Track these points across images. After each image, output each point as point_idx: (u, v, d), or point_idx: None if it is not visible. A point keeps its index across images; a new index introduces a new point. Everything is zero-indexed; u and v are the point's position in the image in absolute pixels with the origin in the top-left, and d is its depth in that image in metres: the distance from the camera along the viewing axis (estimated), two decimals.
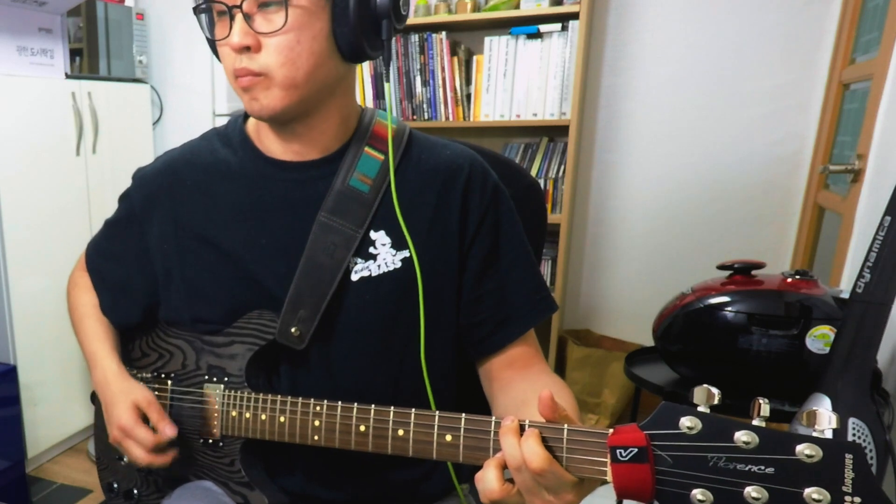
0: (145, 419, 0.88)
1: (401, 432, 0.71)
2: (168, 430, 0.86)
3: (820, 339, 1.32)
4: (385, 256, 0.85)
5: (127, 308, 0.98)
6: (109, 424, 0.90)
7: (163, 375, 0.95)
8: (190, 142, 0.98)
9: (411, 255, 0.84)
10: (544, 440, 0.60)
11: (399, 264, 0.85)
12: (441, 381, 0.89)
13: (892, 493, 1.17)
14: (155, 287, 0.95)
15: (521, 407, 0.79)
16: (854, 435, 1.08)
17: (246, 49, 0.76)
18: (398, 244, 0.85)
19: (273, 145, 0.88)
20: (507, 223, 0.90)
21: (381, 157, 0.87)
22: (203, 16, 0.82)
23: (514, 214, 0.91)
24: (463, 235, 0.87)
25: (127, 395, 0.89)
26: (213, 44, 0.83)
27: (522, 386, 0.85)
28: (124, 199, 0.99)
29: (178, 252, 0.91)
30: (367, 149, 0.87)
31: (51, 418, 2.26)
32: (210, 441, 0.89)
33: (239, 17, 0.75)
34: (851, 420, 1.09)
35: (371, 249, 0.85)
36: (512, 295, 0.89)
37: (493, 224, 0.88)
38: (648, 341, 1.60)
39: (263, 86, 0.77)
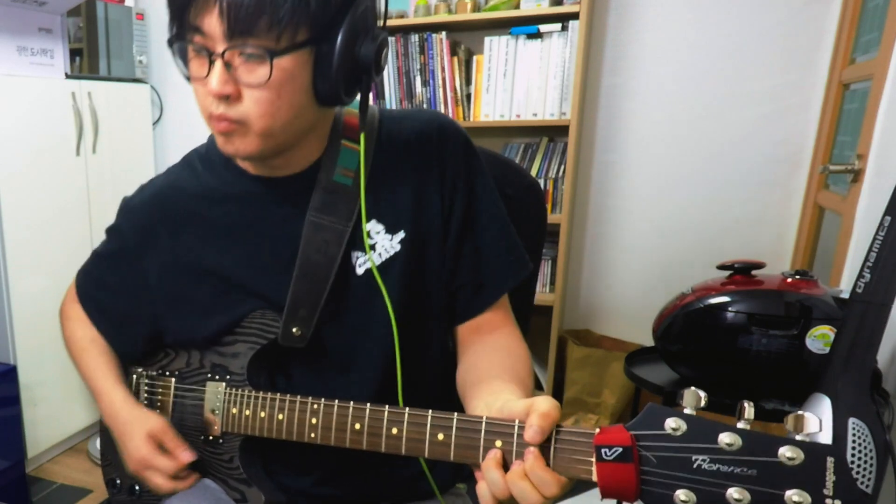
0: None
1: (394, 431, 0.71)
2: (186, 456, 0.88)
3: (820, 339, 1.31)
4: (383, 243, 0.85)
5: (132, 337, 0.98)
6: (127, 457, 0.92)
7: (167, 373, 0.96)
8: (172, 168, 0.96)
9: (407, 236, 0.85)
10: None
11: (398, 247, 0.85)
12: (444, 367, 0.90)
13: (893, 493, 1.16)
14: (155, 319, 0.94)
15: (471, 370, 0.82)
16: (854, 435, 1.07)
17: (225, 97, 0.73)
18: (391, 228, 0.85)
19: (254, 167, 0.88)
20: (481, 180, 0.89)
21: (359, 147, 0.86)
22: (176, 46, 0.77)
23: (486, 172, 0.90)
24: (443, 200, 0.87)
25: (141, 426, 0.90)
26: (187, 77, 0.80)
27: (478, 348, 0.87)
28: (114, 231, 0.98)
29: (181, 282, 0.91)
30: (343, 142, 0.87)
31: (51, 418, 2.27)
32: (210, 438, 0.90)
33: (219, 63, 0.71)
34: (851, 420, 1.08)
35: (368, 240, 0.85)
36: (488, 256, 0.89)
37: (467, 181, 0.88)
38: (648, 341, 1.59)
39: (240, 133, 0.76)
